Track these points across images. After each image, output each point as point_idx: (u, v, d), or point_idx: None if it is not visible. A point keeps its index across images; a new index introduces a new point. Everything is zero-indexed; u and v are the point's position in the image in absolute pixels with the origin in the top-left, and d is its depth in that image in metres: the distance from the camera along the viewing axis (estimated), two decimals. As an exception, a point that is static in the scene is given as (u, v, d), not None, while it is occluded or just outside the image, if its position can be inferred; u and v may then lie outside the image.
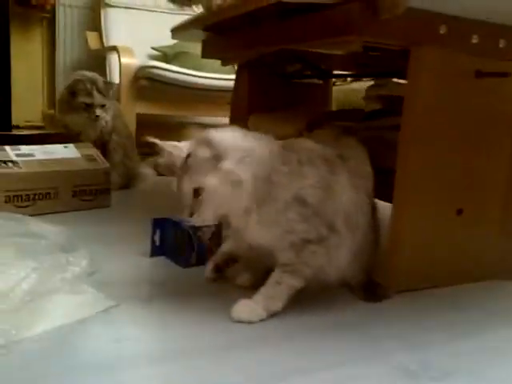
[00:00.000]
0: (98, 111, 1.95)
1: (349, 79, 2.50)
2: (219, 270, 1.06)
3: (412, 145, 1.01)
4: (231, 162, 0.85)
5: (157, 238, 1.22)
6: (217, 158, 0.84)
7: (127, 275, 1.11)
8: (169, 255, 1.22)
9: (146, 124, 2.51)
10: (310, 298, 0.97)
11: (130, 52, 2.49)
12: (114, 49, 2.52)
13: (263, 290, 0.91)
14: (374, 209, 1.01)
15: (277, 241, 0.89)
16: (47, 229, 1.22)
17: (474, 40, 1.00)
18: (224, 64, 1.73)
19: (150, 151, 2.60)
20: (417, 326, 0.94)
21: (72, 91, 1.96)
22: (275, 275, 0.91)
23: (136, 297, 1.00)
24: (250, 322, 0.89)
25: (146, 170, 2.31)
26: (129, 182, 2.08)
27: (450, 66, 1.02)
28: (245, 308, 0.90)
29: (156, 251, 1.22)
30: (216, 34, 1.55)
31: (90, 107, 1.94)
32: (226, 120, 3.41)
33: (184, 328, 0.88)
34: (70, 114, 1.96)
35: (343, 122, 1.40)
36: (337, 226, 0.90)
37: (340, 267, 0.95)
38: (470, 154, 1.08)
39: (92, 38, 2.96)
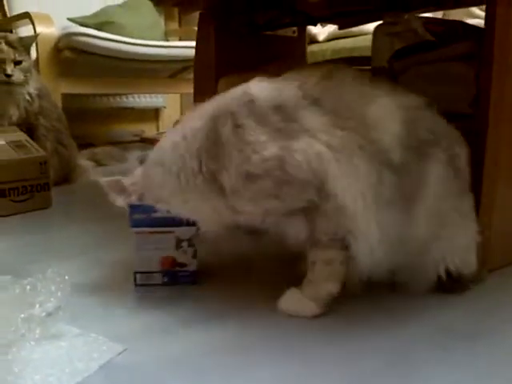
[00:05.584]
0: (10, 69, 1.45)
1: (321, 38, 2.23)
2: None
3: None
4: None
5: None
6: None
7: (120, 299, 0.75)
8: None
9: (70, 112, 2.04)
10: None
11: (47, 19, 2.01)
12: (26, 17, 2.03)
13: None
14: None
15: None
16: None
17: None
18: (183, 12, 1.37)
19: (84, 142, 2.19)
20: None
21: None
22: None
23: (146, 333, 0.65)
24: None
25: (84, 162, 1.89)
26: (67, 175, 1.66)
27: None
28: None
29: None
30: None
31: None
32: (162, 100, 3.05)
33: None
34: None
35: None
36: None
37: None
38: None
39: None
